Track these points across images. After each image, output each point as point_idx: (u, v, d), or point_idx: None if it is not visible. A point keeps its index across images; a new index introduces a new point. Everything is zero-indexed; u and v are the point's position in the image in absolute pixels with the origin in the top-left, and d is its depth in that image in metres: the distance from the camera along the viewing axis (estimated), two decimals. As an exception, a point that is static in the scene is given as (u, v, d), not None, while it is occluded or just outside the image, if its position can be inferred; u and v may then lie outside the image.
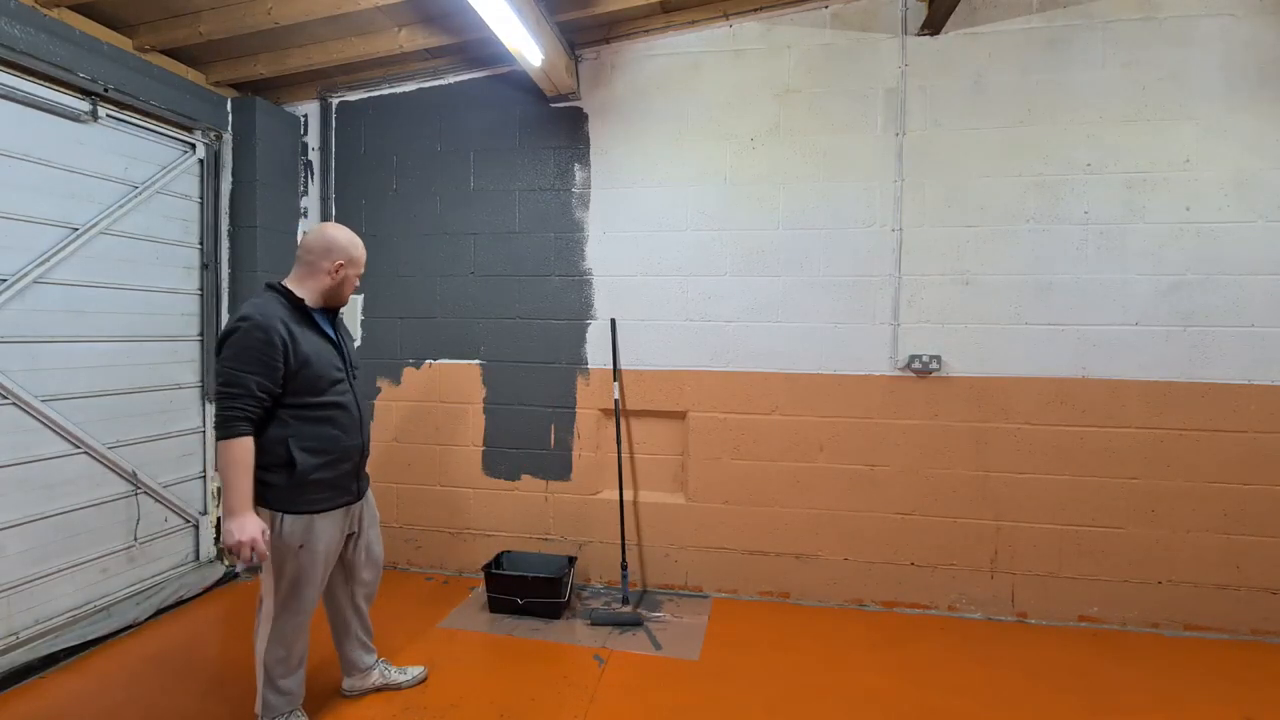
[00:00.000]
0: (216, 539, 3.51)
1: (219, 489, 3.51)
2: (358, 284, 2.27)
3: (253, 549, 1.90)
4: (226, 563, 1.95)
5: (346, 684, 2.45)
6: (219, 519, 3.52)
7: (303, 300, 2.08)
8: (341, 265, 2.13)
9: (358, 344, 3.69)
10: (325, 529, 2.08)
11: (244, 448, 1.92)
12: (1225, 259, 2.92)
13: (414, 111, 3.61)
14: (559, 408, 3.51)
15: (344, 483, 2.13)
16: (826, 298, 3.22)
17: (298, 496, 2.01)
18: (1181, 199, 2.94)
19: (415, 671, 2.54)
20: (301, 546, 2.03)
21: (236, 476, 1.91)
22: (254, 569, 1.91)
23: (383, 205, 3.66)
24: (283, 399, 1.99)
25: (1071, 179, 3.01)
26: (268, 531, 1.95)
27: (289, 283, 2.11)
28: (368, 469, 2.30)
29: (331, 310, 2.21)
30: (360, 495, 2.24)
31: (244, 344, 1.92)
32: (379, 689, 2.47)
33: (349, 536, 2.25)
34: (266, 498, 2.00)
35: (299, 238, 3.71)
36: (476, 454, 3.58)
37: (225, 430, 1.91)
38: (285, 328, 1.97)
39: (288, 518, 2.01)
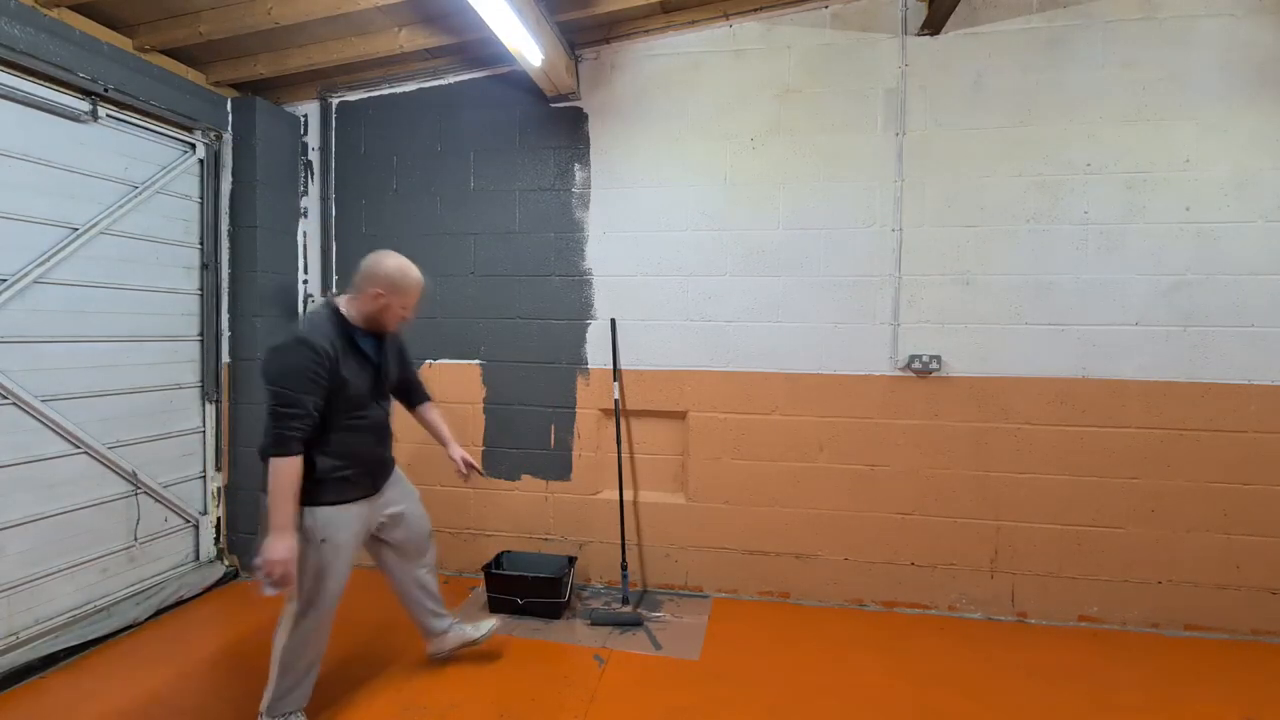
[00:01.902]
0: (216, 539, 3.52)
1: (219, 489, 3.51)
2: (407, 316, 2.20)
3: (284, 571, 1.93)
4: (253, 578, 1.98)
5: (430, 649, 2.63)
6: (219, 519, 3.52)
7: (348, 320, 2.13)
8: (380, 294, 2.11)
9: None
10: (345, 520, 2.12)
11: (295, 467, 1.96)
12: (1225, 259, 2.92)
13: (414, 111, 3.61)
14: (559, 408, 3.51)
15: (360, 480, 2.19)
16: (827, 298, 3.22)
17: (316, 491, 2.06)
18: (1181, 199, 2.94)
19: (487, 625, 2.67)
20: (324, 541, 2.07)
21: (285, 495, 1.95)
22: (277, 586, 1.98)
23: (383, 205, 3.65)
24: (312, 410, 2.03)
25: (1071, 179, 3.01)
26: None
27: (343, 300, 2.16)
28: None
29: (378, 333, 2.22)
30: (377, 489, 2.27)
31: (299, 364, 1.96)
32: (459, 647, 2.64)
33: (387, 521, 2.32)
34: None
35: (299, 237, 3.72)
36: (476, 454, 3.58)
37: (281, 448, 1.94)
38: (332, 348, 2.02)
39: (306, 509, 2.05)
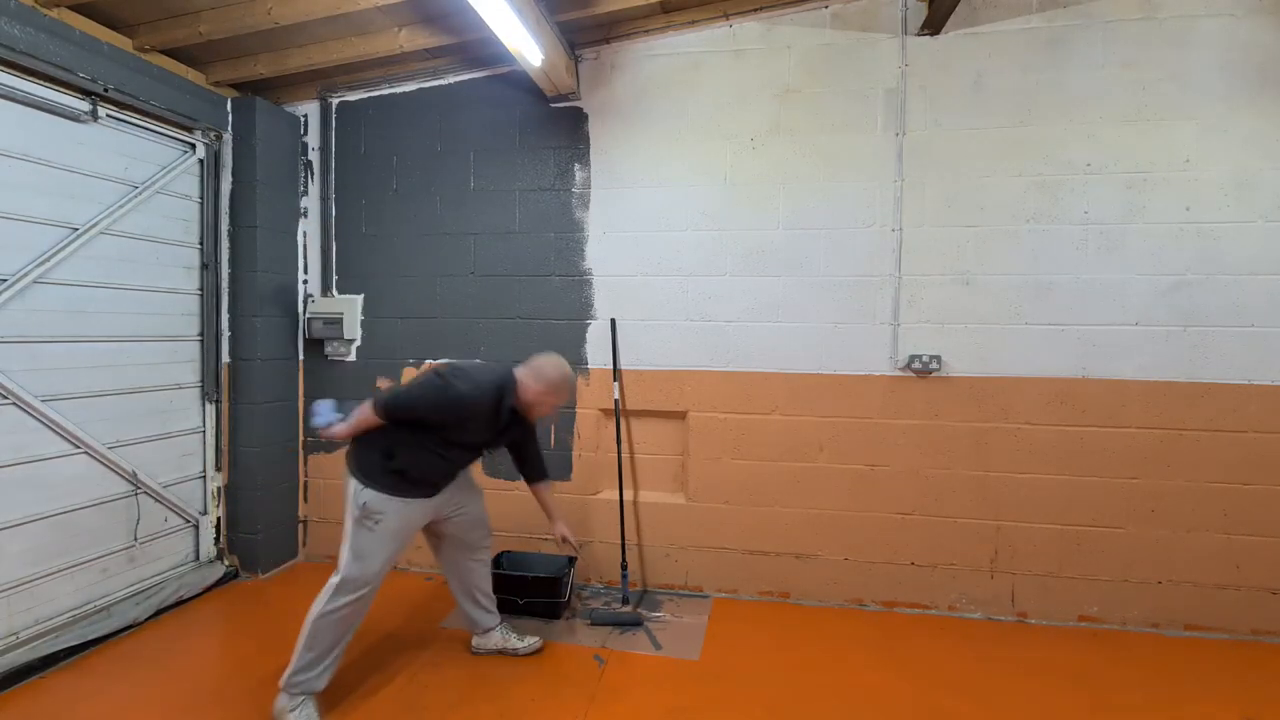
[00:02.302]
0: (216, 539, 3.52)
1: (219, 489, 3.52)
2: (551, 413, 2.73)
3: (329, 435, 2.39)
4: (316, 415, 2.46)
5: (474, 642, 2.78)
6: (219, 519, 3.52)
7: (513, 397, 2.39)
8: (543, 393, 2.42)
9: (358, 344, 3.69)
10: (399, 509, 2.33)
11: (373, 423, 2.31)
12: (1225, 259, 2.92)
13: (414, 111, 3.61)
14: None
15: (423, 484, 2.40)
16: (827, 298, 3.22)
17: (387, 480, 2.31)
18: (1181, 199, 2.94)
19: (531, 641, 2.77)
20: (377, 522, 2.28)
21: (359, 426, 2.35)
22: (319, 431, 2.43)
23: (383, 205, 3.65)
24: (419, 419, 2.31)
25: (1071, 179, 3.01)
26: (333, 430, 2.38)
27: (520, 372, 2.41)
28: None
29: (520, 413, 2.47)
30: (436, 493, 2.45)
31: (455, 396, 2.26)
32: (500, 650, 2.74)
33: (447, 516, 2.53)
34: (364, 472, 2.33)
35: (299, 237, 3.73)
36: (476, 454, 3.58)
37: (383, 409, 2.28)
38: (482, 404, 2.30)
39: (369, 490, 2.29)
